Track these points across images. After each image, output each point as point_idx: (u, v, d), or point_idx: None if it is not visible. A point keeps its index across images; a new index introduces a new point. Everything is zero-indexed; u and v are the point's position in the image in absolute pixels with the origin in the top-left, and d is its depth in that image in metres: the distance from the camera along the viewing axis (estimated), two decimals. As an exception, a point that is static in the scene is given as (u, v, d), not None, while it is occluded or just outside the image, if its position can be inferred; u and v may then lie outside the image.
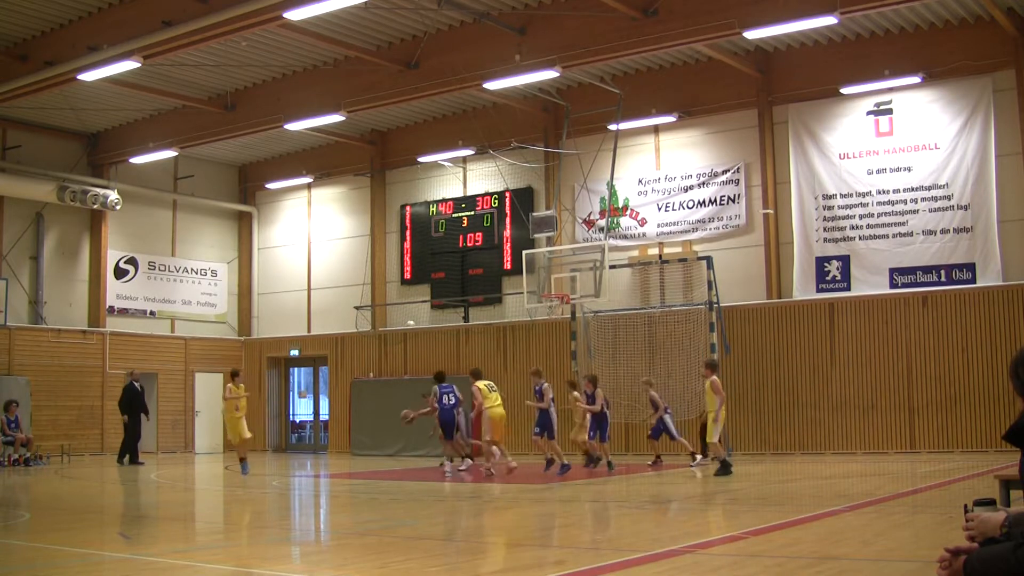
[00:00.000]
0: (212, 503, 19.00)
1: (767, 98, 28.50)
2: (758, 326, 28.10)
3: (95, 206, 33.85)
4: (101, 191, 33.85)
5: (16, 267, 33.14)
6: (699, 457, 24.24)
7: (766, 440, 27.62)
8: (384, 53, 27.51)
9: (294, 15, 22.31)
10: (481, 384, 23.04)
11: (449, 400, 23.83)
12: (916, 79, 26.47)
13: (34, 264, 33.76)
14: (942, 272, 26.25)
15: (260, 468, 21.41)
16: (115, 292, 35.46)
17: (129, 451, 29.43)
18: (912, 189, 26.74)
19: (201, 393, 36.52)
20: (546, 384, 23.24)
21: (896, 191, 26.97)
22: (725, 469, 20.96)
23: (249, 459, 24.94)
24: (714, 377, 21.83)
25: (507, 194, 32.71)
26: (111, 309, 35.22)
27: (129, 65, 25.30)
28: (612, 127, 29.21)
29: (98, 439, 33.68)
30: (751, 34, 24.01)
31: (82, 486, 20.64)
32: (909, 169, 26.85)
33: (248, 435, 24.67)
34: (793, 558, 10.14)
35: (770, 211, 28.23)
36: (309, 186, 37.76)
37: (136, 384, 30.29)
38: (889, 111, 27.26)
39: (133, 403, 29.87)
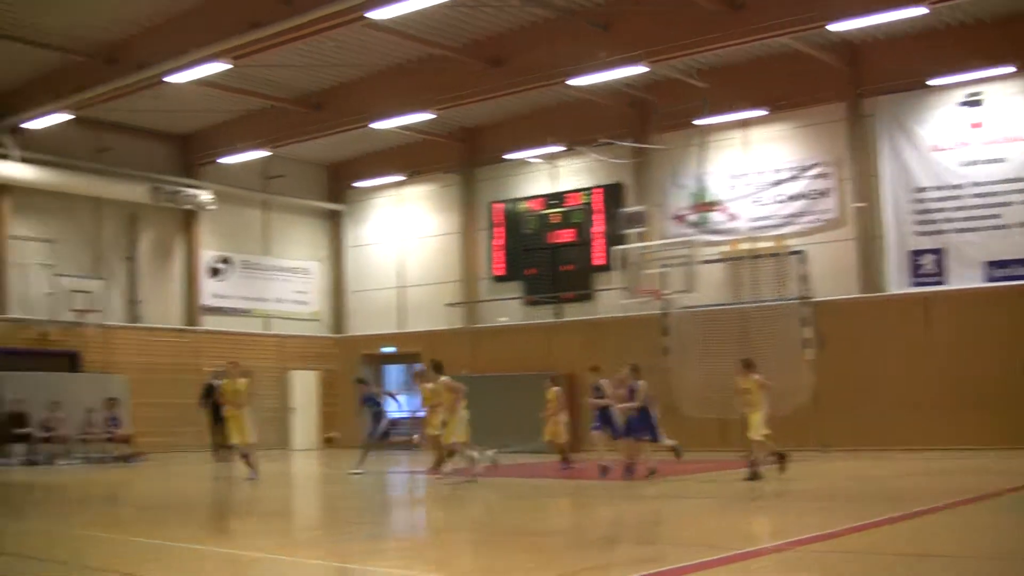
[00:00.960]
0: (311, 499, 19.19)
1: (855, 91, 28.21)
2: (851, 320, 27.81)
3: (188, 206, 34.38)
4: (193, 191, 34.36)
5: (113, 267, 33.72)
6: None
7: (862, 436, 27.28)
8: (469, 50, 27.59)
9: (377, 14, 22.41)
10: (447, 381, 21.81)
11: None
12: (1009, 69, 26.07)
13: (130, 264, 34.29)
14: (1038, 265, 25.93)
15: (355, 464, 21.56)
16: (209, 291, 35.95)
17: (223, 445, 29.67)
18: (1006, 180, 26.37)
19: (296, 390, 36.87)
20: (641, 382, 21.34)
21: (990, 183, 26.61)
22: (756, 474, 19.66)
23: (345, 455, 25.05)
24: (756, 375, 20.52)
25: (597, 190, 32.67)
26: (206, 308, 35.68)
27: (217, 67, 25.59)
28: (700, 122, 29.08)
29: (195, 436, 34.08)
30: (836, 26, 23.77)
31: (180, 482, 20.97)
32: (1002, 160, 26.47)
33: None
34: (895, 555, 10.07)
35: (862, 204, 27.94)
36: (399, 184, 37.94)
37: (214, 382, 30.40)
38: (980, 102, 26.88)
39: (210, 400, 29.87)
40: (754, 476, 19.43)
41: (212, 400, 29.43)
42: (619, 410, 21.33)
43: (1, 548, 11.95)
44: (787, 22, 23.57)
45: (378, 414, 24.12)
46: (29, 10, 24.99)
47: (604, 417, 21.90)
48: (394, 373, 39.30)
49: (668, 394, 25.38)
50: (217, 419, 29.70)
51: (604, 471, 20.80)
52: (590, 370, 23.07)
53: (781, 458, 20.41)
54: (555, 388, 24.51)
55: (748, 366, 20.63)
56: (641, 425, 20.90)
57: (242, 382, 22.69)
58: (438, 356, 34.94)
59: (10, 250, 31.44)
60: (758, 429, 19.99)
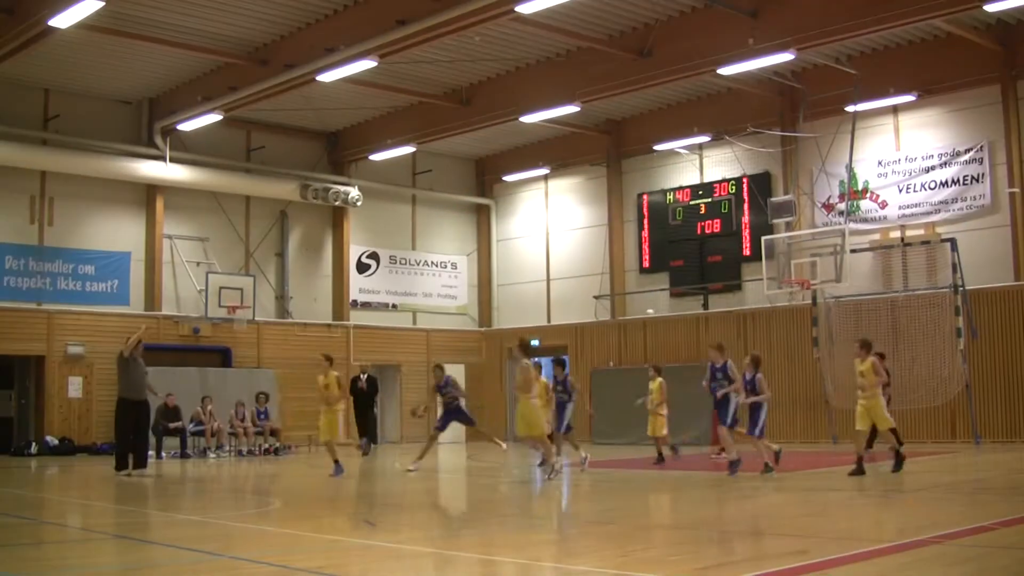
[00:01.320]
0: (454, 491, 19.32)
1: (1010, 72, 27.52)
2: (1006, 309, 27.19)
3: (336, 203, 34.90)
4: (342, 188, 34.87)
5: (263, 264, 34.40)
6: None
7: (1016, 427, 26.71)
8: (616, 42, 27.52)
9: (526, 8, 22.54)
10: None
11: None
12: None
13: (279, 260, 34.95)
14: None
15: (499, 457, 21.65)
16: (358, 286, 36.45)
17: (368, 435, 30.04)
18: None
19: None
20: (760, 374, 19.57)
21: None
22: (897, 465, 18.69)
23: (491, 448, 25.15)
24: (873, 358, 19.15)
25: (744, 180, 32.40)
26: (354, 303, 36.22)
27: (366, 64, 25.96)
28: (850, 108, 28.67)
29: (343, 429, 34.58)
30: (992, 7, 23.19)
31: (327, 474, 21.18)
32: None
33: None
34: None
35: (1016, 190, 27.28)
36: (546, 177, 38.06)
37: (361, 376, 30.66)
38: None
39: (354, 395, 30.15)
40: (859, 469, 18.40)
41: (354, 394, 29.88)
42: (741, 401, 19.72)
43: (154, 539, 12.24)
44: (941, 3, 23.03)
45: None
46: (181, 14, 25.55)
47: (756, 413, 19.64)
48: (542, 366, 39.37)
49: (817, 386, 25.07)
50: (360, 413, 30.16)
51: (733, 466, 19.31)
52: (715, 349, 20.23)
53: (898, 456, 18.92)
54: (659, 379, 23.70)
55: (864, 346, 19.35)
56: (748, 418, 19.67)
57: (332, 376, 22.02)
58: (585, 349, 35.27)
59: (164, 249, 32.22)
60: (884, 419, 18.87)
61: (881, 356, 21.12)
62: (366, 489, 19.47)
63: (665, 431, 23.56)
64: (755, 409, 19.52)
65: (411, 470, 21.26)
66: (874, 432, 20.32)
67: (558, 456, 20.21)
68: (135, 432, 22.03)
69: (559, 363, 23.21)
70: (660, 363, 25.38)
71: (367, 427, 30.19)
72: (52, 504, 17.29)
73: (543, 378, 21.84)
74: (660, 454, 23.15)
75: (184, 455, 28.43)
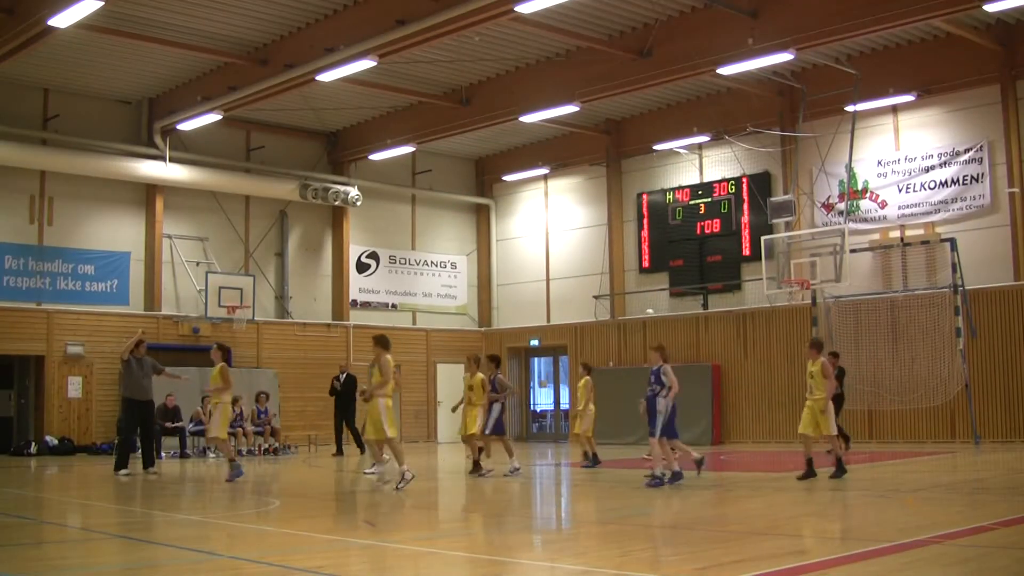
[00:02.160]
0: (453, 491, 19.33)
1: (1010, 72, 27.51)
2: (1005, 309, 27.21)
3: (336, 203, 34.94)
4: (342, 188, 34.90)
5: (262, 264, 34.44)
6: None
7: (1016, 427, 26.73)
8: (616, 42, 27.53)
9: (525, 8, 22.57)
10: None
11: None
12: None
13: (279, 260, 34.99)
14: None
15: (500, 457, 21.63)
16: (357, 286, 36.47)
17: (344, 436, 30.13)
18: None
19: (443, 384, 37.20)
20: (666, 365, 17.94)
21: None
22: (840, 470, 18.14)
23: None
24: (823, 359, 18.48)
25: (744, 179, 32.41)
26: (354, 303, 36.25)
27: (365, 64, 25.97)
28: (849, 108, 28.68)
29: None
30: (992, 7, 23.18)
31: (327, 474, 21.21)
32: None
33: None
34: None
35: (1016, 190, 27.28)
36: (545, 177, 38.08)
37: (340, 376, 30.53)
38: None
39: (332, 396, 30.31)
40: (840, 471, 18.04)
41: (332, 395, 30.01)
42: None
43: (154, 538, 12.25)
44: (941, 3, 23.02)
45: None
46: (180, 14, 25.58)
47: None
48: (541, 365, 39.48)
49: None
50: (338, 414, 30.17)
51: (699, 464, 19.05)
52: (654, 350, 18.27)
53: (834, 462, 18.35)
54: (587, 377, 23.30)
55: (814, 347, 18.75)
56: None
57: (478, 378, 21.40)
58: (585, 349, 35.29)
59: (163, 249, 32.24)
60: (826, 424, 18.13)
61: (835, 355, 21.04)
62: (365, 489, 19.47)
63: (591, 431, 23.21)
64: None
65: (482, 474, 20.72)
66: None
67: (404, 468, 17.74)
68: (140, 432, 22.15)
69: (492, 360, 22.54)
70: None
71: (342, 428, 30.09)
72: (52, 504, 17.29)
73: (481, 376, 21.39)
74: (587, 454, 22.91)
75: (184, 455, 28.44)
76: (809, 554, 9.78)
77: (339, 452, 29.34)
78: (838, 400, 22.74)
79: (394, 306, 37.40)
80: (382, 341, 18.98)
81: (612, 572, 9.04)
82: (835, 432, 18.49)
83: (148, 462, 22.13)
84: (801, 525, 12.49)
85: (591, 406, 23.07)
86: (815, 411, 18.12)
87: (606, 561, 9.68)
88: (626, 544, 11.01)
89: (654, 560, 9.96)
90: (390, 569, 9.91)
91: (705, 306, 33.18)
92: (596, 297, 35.52)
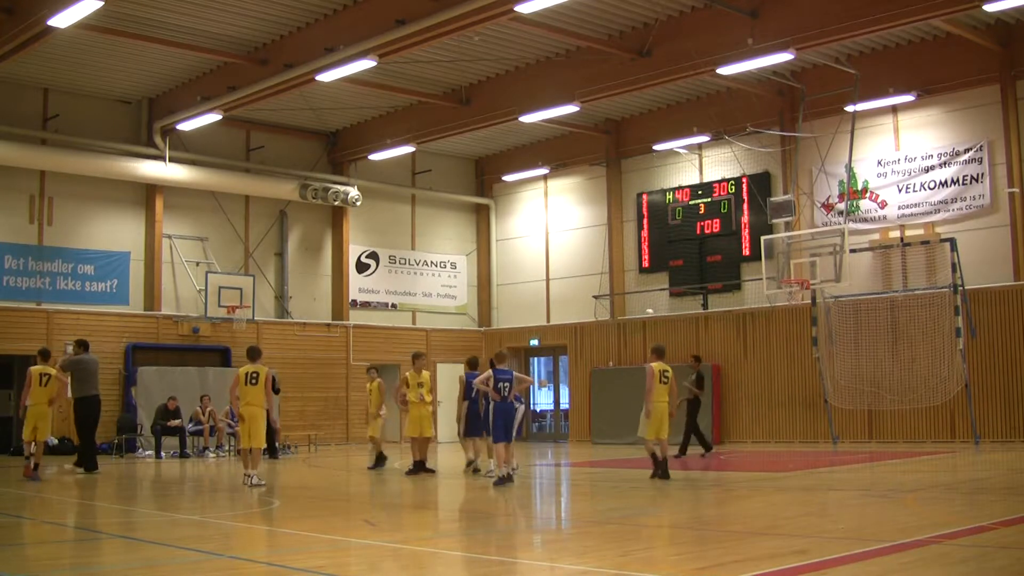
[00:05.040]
0: (454, 491, 19.32)
1: (1010, 72, 27.51)
2: (1006, 309, 27.20)
3: (336, 202, 34.93)
4: (342, 188, 34.89)
5: (262, 264, 34.43)
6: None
7: (1016, 426, 26.73)
8: (616, 42, 27.52)
9: (525, 8, 22.57)
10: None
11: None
12: None
13: (279, 260, 34.99)
14: None
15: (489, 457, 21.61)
16: (357, 286, 36.46)
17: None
18: None
19: (442, 384, 37.12)
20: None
21: None
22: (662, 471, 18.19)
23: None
24: (651, 364, 18.54)
25: (744, 180, 32.40)
26: (354, 303, 36.24)
27: (365, 64, 25.96)
28: (849, 108, 28.68)
29: (343, 429, 34.67)
30: (992, 7, 23.16)
31: (328, 474, 21.21)
32: None
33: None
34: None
35: (1016, 190, 27.27)
36: (545, 177, 38.07)
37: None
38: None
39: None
40: (663, 473, 18.17)
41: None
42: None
43: (154, 538, 12.25)
44: (941, 3, 23.00)
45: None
46: (180, 14, 25.58)
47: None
48: (541, 365, 39.48)
49: (817, 385, 25.05)
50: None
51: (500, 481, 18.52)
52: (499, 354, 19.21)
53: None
54: (378, 380, 23.83)
55: (656, 352, 18.96)
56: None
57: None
58: (585, 349, 35.28)
59: (163, 248, 32.24)
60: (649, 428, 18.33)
61: (696, 359, 21.23)
62: (365, 489, 19.47)
63: (379, 434, 23.66)
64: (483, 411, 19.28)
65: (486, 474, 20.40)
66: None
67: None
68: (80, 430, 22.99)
69: (470, 364, 22.56)
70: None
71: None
72: (52, 504, 17.29)
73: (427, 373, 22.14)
74: (379, 457, 23.24)
75: (183, 455, 28.43)
76: (809, 554, 9.77)
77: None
78: (694, 405, 23.26)
79: (394, 306, 37.39)
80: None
81: (612, 572, 9.04)
82: (663, 436, 18.48)
83: (81, 461, 23.59)
84: (801, 525, 12.48)
85: (383, 410, 23.76)
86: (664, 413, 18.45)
87: (606, 561, 9.67)
88: (626, 544, 11.00)
89: (654, 560, 9.95)
90: (390, 569, 9.91)
91: (705, 306, 33.16)
92: (596, 297, 35.50)
